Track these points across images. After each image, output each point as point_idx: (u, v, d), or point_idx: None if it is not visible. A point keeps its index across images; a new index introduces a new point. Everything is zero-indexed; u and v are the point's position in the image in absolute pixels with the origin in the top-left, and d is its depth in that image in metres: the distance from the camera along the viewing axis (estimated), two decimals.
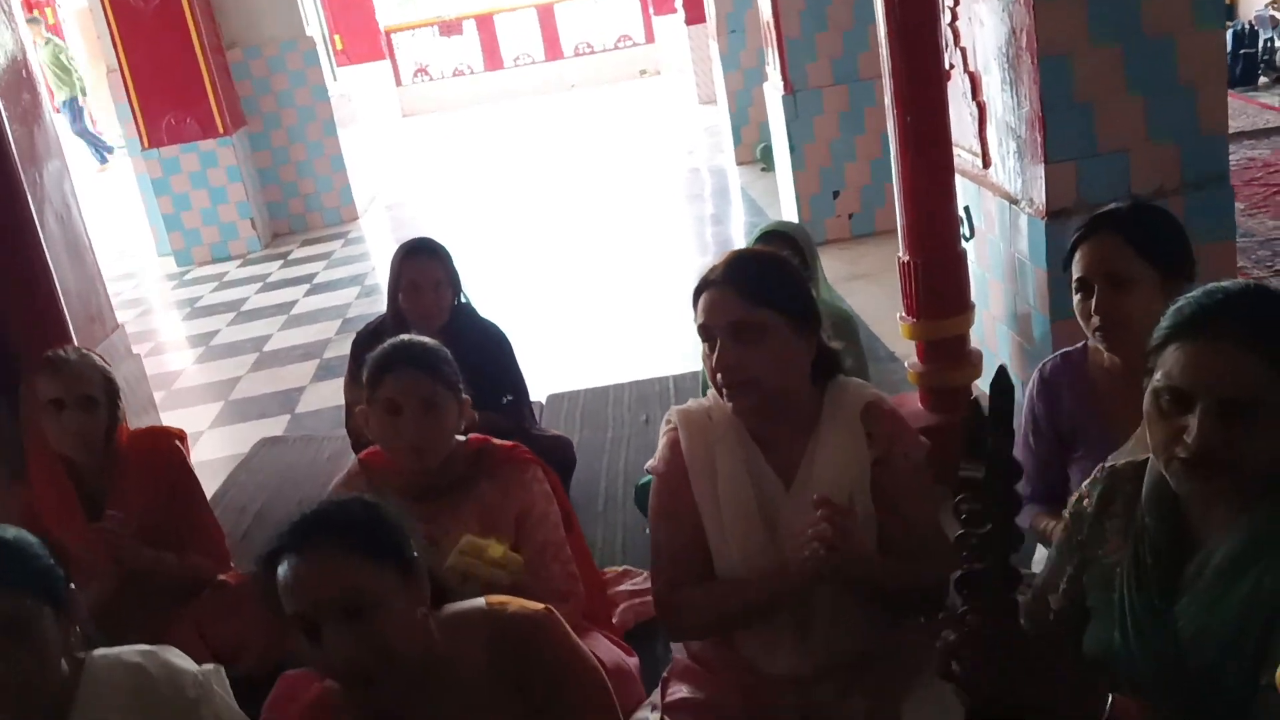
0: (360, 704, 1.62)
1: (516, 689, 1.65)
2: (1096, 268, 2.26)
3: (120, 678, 1.78)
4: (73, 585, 1.81)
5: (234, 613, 3.01)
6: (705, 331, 2.06)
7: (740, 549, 2.08)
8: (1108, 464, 1.70)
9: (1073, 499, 1.72)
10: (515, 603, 1.72)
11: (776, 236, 3.40)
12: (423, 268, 3.60)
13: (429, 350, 2.48)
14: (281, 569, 1.55)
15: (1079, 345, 2.46)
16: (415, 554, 1.64)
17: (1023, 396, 2.58)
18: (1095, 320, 2.27)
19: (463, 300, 3.74)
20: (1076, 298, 2.31)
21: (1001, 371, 1.42)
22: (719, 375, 2.04)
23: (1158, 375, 1.50)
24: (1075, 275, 2.31)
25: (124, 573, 2.89)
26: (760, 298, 2.01)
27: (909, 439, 2.12)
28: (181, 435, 3.23)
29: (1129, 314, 2.22)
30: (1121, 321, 2.23)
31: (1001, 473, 1.42)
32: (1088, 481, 1.70)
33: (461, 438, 2.54)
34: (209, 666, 1.90)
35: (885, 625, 2.14)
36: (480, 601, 1.73)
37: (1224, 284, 1.52)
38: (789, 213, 6.86)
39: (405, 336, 2.59)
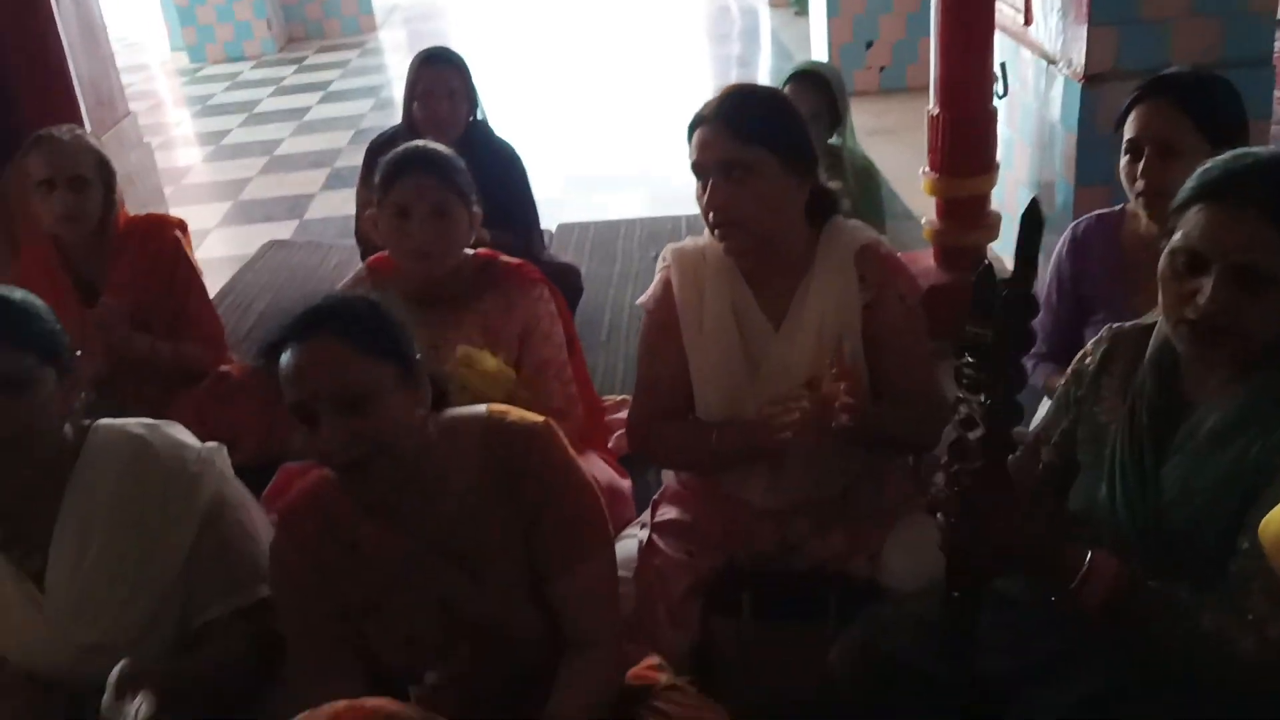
0: (355, 494, 1.65)
1: (509, 495, 1.67)
2: (1149, 132, 2.20)
3: (122, 446, 1.80)
4: (79, 353, 1.82)
5: (233, 401, 3.04)
6: (697, 169, 2.02)
7: (721, 389, 2.10)
8: (1114, 326, 1.70)
9: (1077, 357, 1.73)
10: (515, 412, 1.73)
11: (809, 76, 3.32)
12: (439, 75, 3.52)
13: (443, 156, 2.45)
14: (284, 358, 1.56)
15: (1116, 208, 2.42)
16: (417, 355, 1.65)
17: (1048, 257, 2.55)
18: (1140, 185, 2.22)
19: (479, 117, 3.67)
20: (1124, 159, 2.26)
21: (1033, 204, 1.39)
22: (709, 214, 2.02)
23: (1177, 236, 1.49)
24: (1126, 136, 2.25)
25: (115, 359, 2.88)
26: (752, 135, 1.96)
27: (903, 282, 2.10)
28: (182, 225, 3.19)
29: (1177, 182, 2.15)
30: (1166, 189, 2.18)
31: (1014, 328, 1.40)
32: (1093, 340, 1.71)
33: (470, 251, 2.53)
34: (211, 444, 1.91)
35: (862, 468, 2.18)
36: (481, 409, 1.75)
37: (1256, 150, 1.49)
38: (819, 59, 6.69)
39: (420, 142, 2.55)
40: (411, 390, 1.62)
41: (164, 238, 3.08)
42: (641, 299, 2.22)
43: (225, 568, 1.81)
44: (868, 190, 3.39)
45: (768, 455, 2.08)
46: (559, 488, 1.68)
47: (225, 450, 1.94)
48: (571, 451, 1.74)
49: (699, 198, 2.04)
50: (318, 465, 2.64)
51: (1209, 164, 1.49)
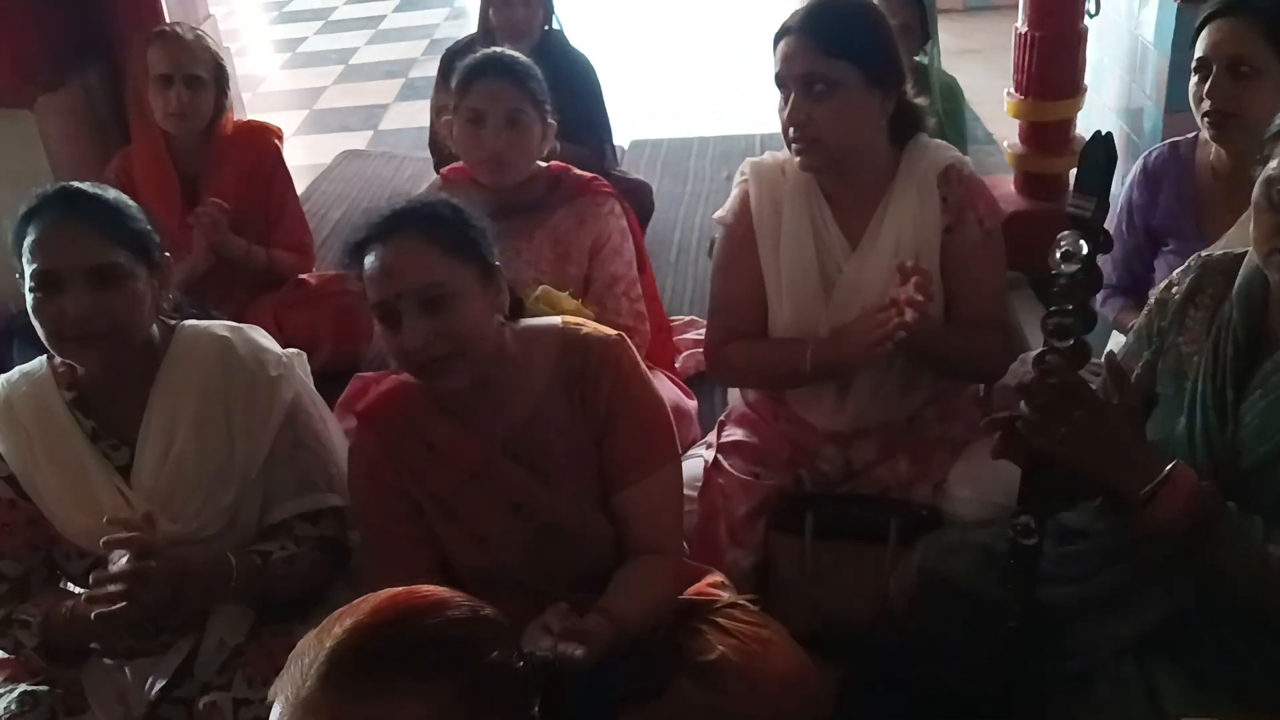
0: (432, 396, 1.69)
1: (581, 404, 1.70)
2: (1220, 49, 2.11)
3: (207, 346, 1.84)
4: (168, 254, 1.87)
5: (311, 307, 3.10)
6: (779, 81, 1.98)
7: (795, 307, 2.08)
8: (1203, 254, 1.65)
9: (1161, 285, 1.68)
10: (590, 325, 1.75)
11: None
12: None
13: (519, 64, 2.43)
14: (368, 259, 1.59)
15: (1189, 137, 2.34)
16: (497, 262, 1.67)
17: (1121, 186, 2.48)
18: (1206, 105, 2.13)
19: (555, 25, 3.62)
20: (1194, 80, 2.17)
21: (1108, 139, 1.35)
22: (786, 131, 1.98)
23: (1274, 164, 1.43)
24: (1196, 54, 2.16)
25: (213, 258, 2.96)
26: (837, 48, 1.91)
27: (985, 205, 2.05)
28: (279, 133, 3.25)
29: (1244, 104, 2.08)
30: (1234, 112, 2.10)
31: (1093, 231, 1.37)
32: (1180, 270, 1.66)
33: (543, 163, 2.52)
34: (292, 350, 1.95)
35: (935, 392, 2.15)
36: (556, 320, 1.77)
37: None
38: None
39: (496, 49, 2.54)
40: (491, 294, 1.65)
41: (265, 145, 3.15)
42: (719, 213, 2.20)
43: (298, 470, 1.85)
44: (952, 112, 3.30)
45: (849, 374, 2.06)
46: (630, 400, 1.71)
47: (304, 357, 1.98)
48: (642, 366, 1.76)
49: (780, 111, 2.00)
50: (391, 372, 2.71)
51: None
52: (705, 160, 4.77)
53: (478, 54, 2.45)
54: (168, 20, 3.43)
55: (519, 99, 2.37)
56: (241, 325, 1.93)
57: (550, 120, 2.46)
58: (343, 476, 1.86)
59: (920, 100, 2.09)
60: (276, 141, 3.18)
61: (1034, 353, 1.51)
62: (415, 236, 1.58)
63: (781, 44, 1.97)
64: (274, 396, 1.84)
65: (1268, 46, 2.08)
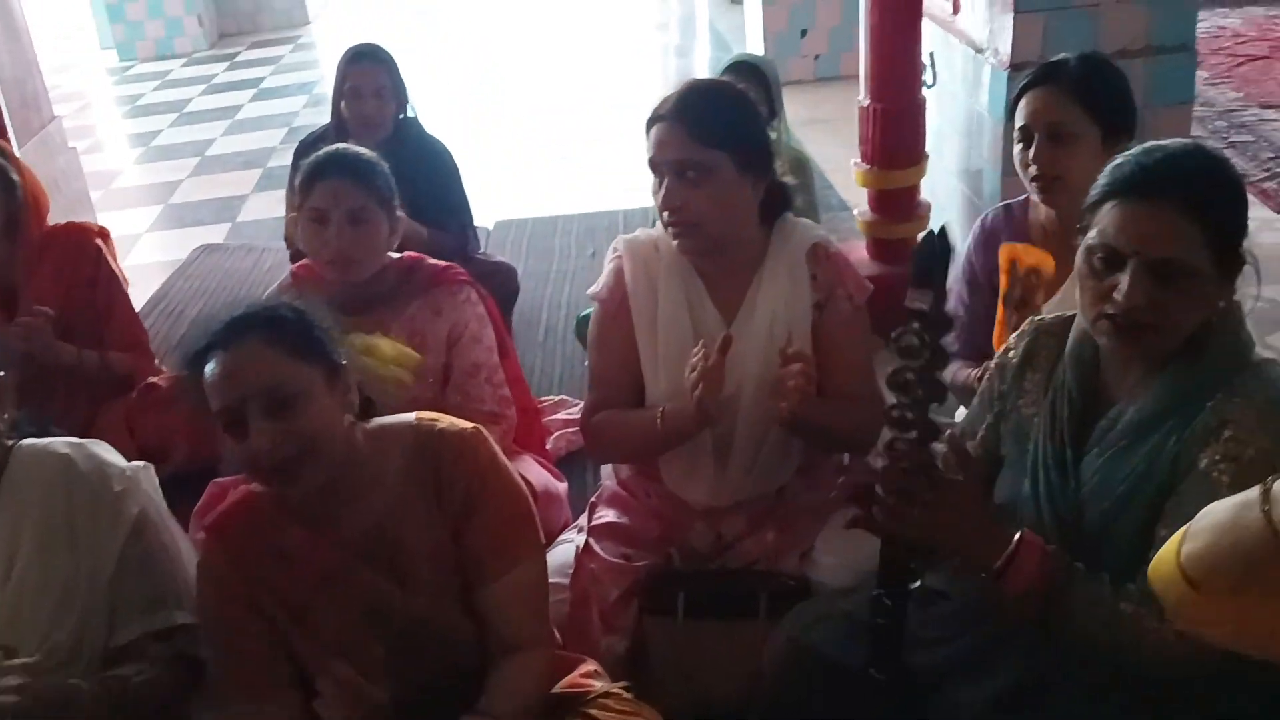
0: (282, 503, 1.65)
1: (438, 502, 1.67)
2: (1039, 118, 2.23)
3: (48, 465, 1.78)
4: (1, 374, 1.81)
5: (163, 411, 2.98)
6: (653, 166, 2.01)
7: (672, 382, 2.08)
8: (1036, 319, 1.71)
9: (1000, 350, 1.74)
10: (444, 419, 1.73)
11: (744, 68, 3.32)
12: (366, 74, 3.47)
13: (362, 160, 2.41)
14: (209, 366, 1.56)
15: (1020, 199, 2.45)
16: (343, 361, 1.65)
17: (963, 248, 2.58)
18: (1032, 170, 2.24)
19: (409, 114, 3.63)
20: (1017, 147, 2.29)
21: (942, 234, 1.41)
22: (663, 215, 2.01)
23: (1092, 233, 1.50)
24: (1018, 124, 2.28)
25: (38, 370, 2.78)
26: (710, 137, 1.95)
27: (852, 282, 2.11)
28: (103, 233, 3.12)
29: (1067, 168, 2.20)
30: (1059, 175, 2.22)
31: (937, 314, 1.42)
32: (1015, 334, 1.72)
33: (395, 254, 2.50)
34: (137, 463, 1.89)
35: (802, 462, 2.18)
36: (410, 417, 1.74)
37: (1164, 143, 1.50)
38: (754, 48, 6.69)
39: (340, 145, 2.52)
40: (338, 394, 1.62)
41: (84, 245, 3.02)
42: (592, 289, 2.20)
43: (147, 587, 1.78)
44: (803, 183, 3.39)
45: (714, 442, 2.08)
46: (488, 494, 1.68)
47: (151, 469, 1.92)
48: (501, 457, 1.74)
49: (655, 194, 2.03)
50: (247, 479, 2.62)
51: (1120, 159, 1.51)
52: (570, 238, 4.80)
53: (320, 152, 2.42)
54: (8, 123, 3.31)
55: (362, 197, 2.35)
56: (83, 440, 1.86)
57: (399, 214, 2.45)
58: (193, 591, 1.79)
59: (788, 179, 2.14)
60: (98, 240, 3.05)
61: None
62: (257, 340, 1.56)
63: (654, 130, 2.00)
64: (119, 511, 1.78)
65: (1082, 111, 2.20)
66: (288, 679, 1.67)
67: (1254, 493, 1.13)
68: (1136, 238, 1.44)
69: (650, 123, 2.02)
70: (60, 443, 1.83)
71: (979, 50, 3.43)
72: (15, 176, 2.84)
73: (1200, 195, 1.43)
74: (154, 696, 1.73)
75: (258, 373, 1.54)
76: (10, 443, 1.79)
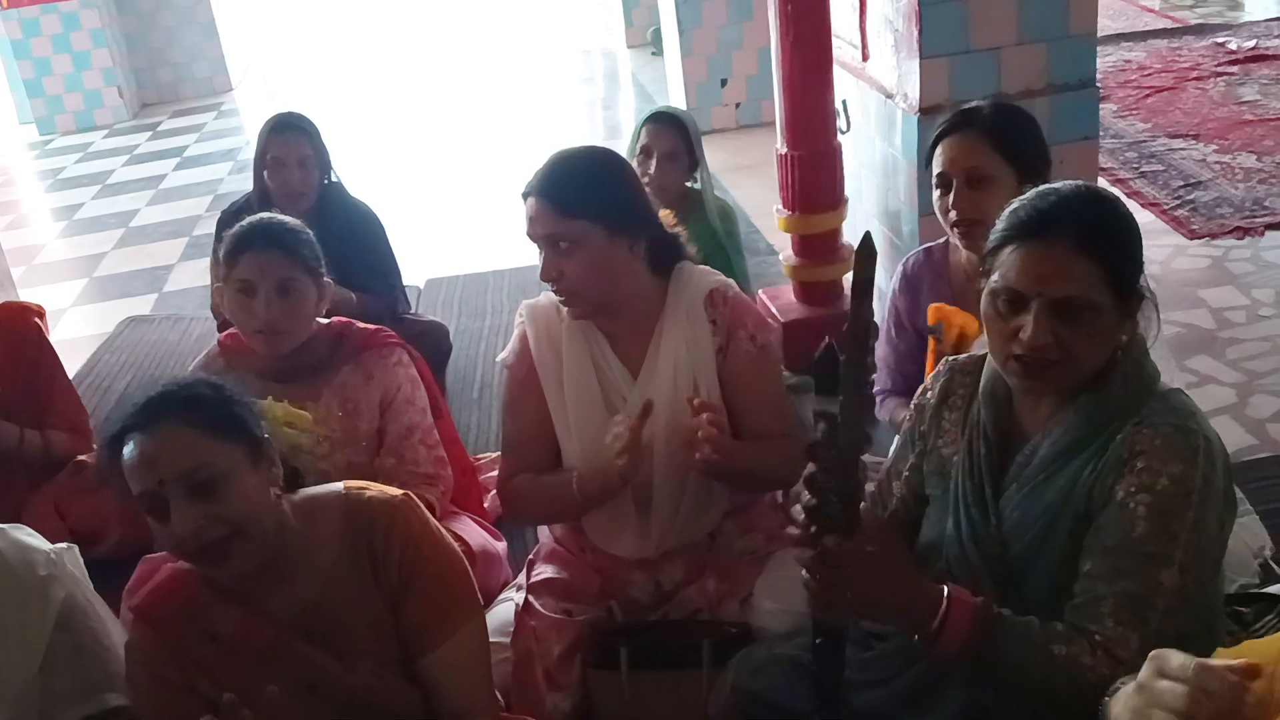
0: (212, 582, 1.62)
1: (372, 572, 1.66)
2: (957, 164, 2.29)
3: None
4: None
5: (94, 492, 2.93)
6: (531, 238, 2.04)
7: (585, 440, 2.11)
8: (950, 359, 1.76)
9: (918, 391, 1.78)
10: (374, 488, 1.72)
11: (666, 117, 3.37)
12: (288, 144, 3.48)
13: (287, 230, 2.41)
14: (128, 449, 1.53)
15: (940, 241, 2.51)
16: (265, 435, 1.63)
17: (888, 291, 2.63)
18: (953, 215, 2.31)
19: (332, 179, 3.63)
20: (936, 194, 2.35)
21: (866, 238, 1.45)
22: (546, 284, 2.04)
23: (995, 277, 1.54)
24: (936, 171, 2.34)
25: None
26: (574, 208, 1.98)
27: (753, 322, 2.15)
28: (40, 312, 3.10)
29: (986, 211, 2.24)
30: (979, 219, 2.27)
31: (859, 347, 1.44)
32: (931, 375, 1.77)
33: (324, 320, 2.50)
34: (62, 545, 1.87)
35: (732, 506, 2.21)
36: (338, 486, 1.73)
37: (1057, 186, 1.56)
38: (677, 99, 6.80)
39: (265, 215, 2.52)
40: (263, 470, 1.60)
41: (25, 326, 3.01)
42: (501, 356, 2.24)
43: (77, 673, 1.77)
44: (729, 231, 3.45)
45: (633, 494, 2.09)
46: (423, 561, 1.67)
47: (76, 550, 1.91)
48: (433, 523, 1.73)
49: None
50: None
51: (1015, 204, 1.56)
52: (502, 294, 4.81)
53: (243, 223, 2.42)
54: None
55: (289, 267, 2.35)
56: (6, 526, 1.84)
57: (326, 280, 2.45)
58: (124, 674, 1.76)
59: (676, 230, 2.18)
60: (37, 320, 3.04)
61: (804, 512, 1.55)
62: (175, 421, 1.53)
63: (526, 205, 2.04)
64: (45, 599, 1.76)
65: (998, 155, 2.27)
66: None
67: (1132, 687, 1.10)
68: (1037, 278, 1.49)
69: (523, 196, 2.05)
70: None
71: (889, 95, 3.52)
72: None
73: (1095, 233, 1.48)
74: None
75: (176, 455, 1.51)
76: None
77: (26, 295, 5.05)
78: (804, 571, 1.53)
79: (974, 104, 2.38)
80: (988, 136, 2.27)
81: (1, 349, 2.93)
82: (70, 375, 3.28)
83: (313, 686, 1.63)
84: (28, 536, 1.85)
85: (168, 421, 1.53)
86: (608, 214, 2.00)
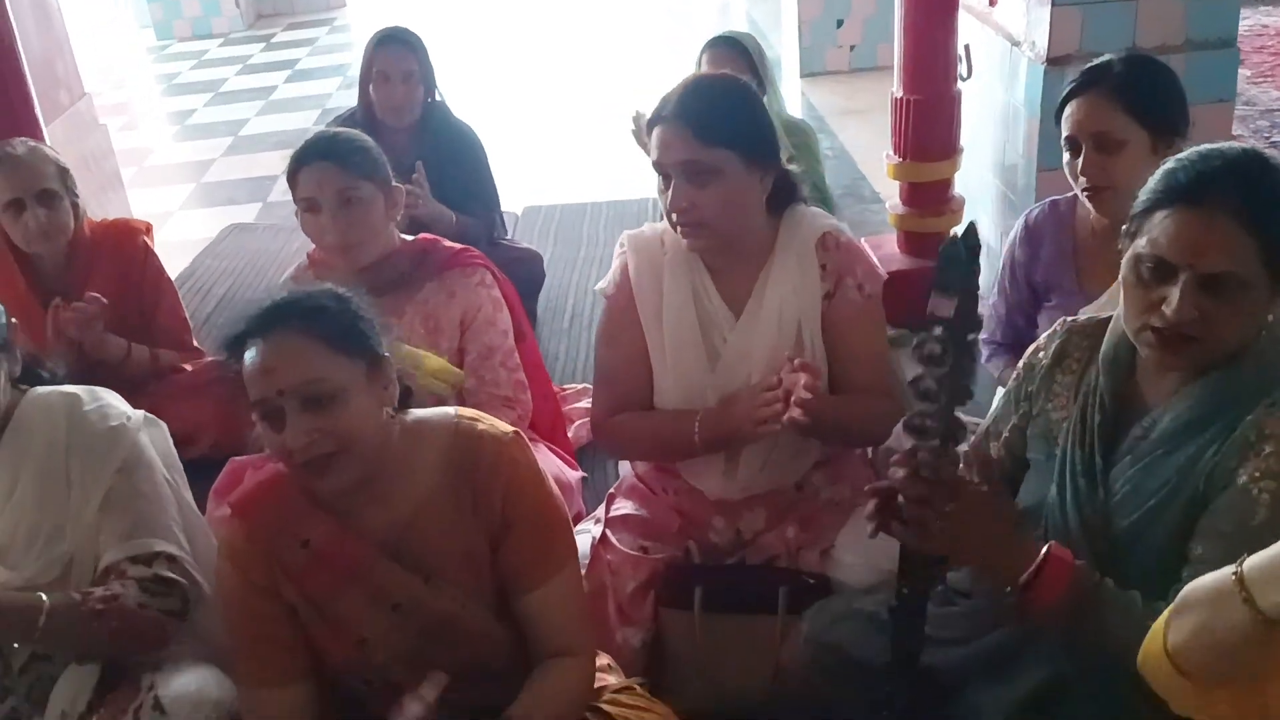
0: (310, 492, 1.61)
1: (473, 506, 1.63)
2: (1084, 127, 2.16)
3: (54, 405, 1.82)
4: (13, 320, 1.86)
5: (189, 398, 2.99)
6: (659, 168, 1.98)
7: (679, 376, 2.07)
8: (1069, 320, 1.67)
9: (1029, 350, 1.70)
10: (485, 420, 1.68)
11: (727, 42, 3.28)
12: (394, 58, 3.45)
13: (341, 141, 2.37)
14: (249, 354, 1.52)
15: (1069, 195, 2.38)
16: (386, 353, 1.61)
17: (1000, 244, 2.54)
18: (1082, 181, 2.19)
19: (437, 98, 3.61)
20: (1065, 156, 2.23)
21: (968, 234, 1.36)
22: (672, 215, 1.98)
23: (1141, 241, 1.43)
24: (1064, 133, 2.21)
25: (84, 361, 2.80)
26: (715, 136, 1.90)
27: (863, 270, 2.07)
28: (148, 229, 3.15)
29: (1115, 175, 2.14)
30: (1108, 184, 2.16)
31: (962, 319, 1.37)
32: (1046, 334, 1.67)
33: (410, 237, 2.48)
34: (147, 415, 1.93)
35: (822, 456, 2.16)
36: (450, 413, 1.70)
37: (1220, 147, 1.43)
38: (789, 38, 6.65)
39: (321, 130, 2.51)
40: (378, 389, 1.58)
41: (133, 244, 3.06)
42: (600, 284, 2.19)
43: (131, 518, 1.82)
44: (804, 149, 3.36)
45: (739, 445, 2.05)
46: (526, 502, 1.64)
47: (163, 427, 1.97)
48: (539, 465, 1.70)
49: (660, 193, 2.00)
50: (266, 459, 2.61)
51: (1174, 164, 1.44)
52: (599, 225, 4.77)
53: (302, 142, 2.40)
54: (35, 102, 3.32)
55: (347, 178, 2.31)
56: (97, 389, 1.91)
57: (395, 185, 2.42)
58: (176, 533, 1.85)
59: (794, 167, 2.11)
60: (144, 239, 3.09)
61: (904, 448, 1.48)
62: (297, 331, 1.51)
63: (657, 131, 1.96)
64: (112, 443, 1.83)
65: (1128, 117, 2.13)
66: (305, 669, 1.65)
67: (1228, 577, 1.11)
68: (1190, 249, 1.38)
69: (652, 124, 1.98)
70: (70, 387, 1.88)
71: (1015, 43, 3.38)
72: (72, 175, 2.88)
73: (1259, 205, 1.36)
74: (120, 612, 1.73)
75: (296, 367, 1.49)
76: (24, 387, 1.85)
77: (135, 197, 5.15)
78: (898, 497, 1.46)
79: (1105, 59, 2.22)
80: (1118, 97, 2.13)
81: (110, 267, 2.99)
82: (173, 277, 3.33)
83: (397, 605, 1.61)
84: (112, 397, 1.91)
85: (291, 330, 1.51)
86: (746, 144, 1.93)
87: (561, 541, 1.69)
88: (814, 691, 1.82)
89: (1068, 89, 2.23)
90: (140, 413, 1.92)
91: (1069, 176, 2.24)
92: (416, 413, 1.69)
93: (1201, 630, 1.15)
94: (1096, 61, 2.23)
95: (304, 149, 2.37)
